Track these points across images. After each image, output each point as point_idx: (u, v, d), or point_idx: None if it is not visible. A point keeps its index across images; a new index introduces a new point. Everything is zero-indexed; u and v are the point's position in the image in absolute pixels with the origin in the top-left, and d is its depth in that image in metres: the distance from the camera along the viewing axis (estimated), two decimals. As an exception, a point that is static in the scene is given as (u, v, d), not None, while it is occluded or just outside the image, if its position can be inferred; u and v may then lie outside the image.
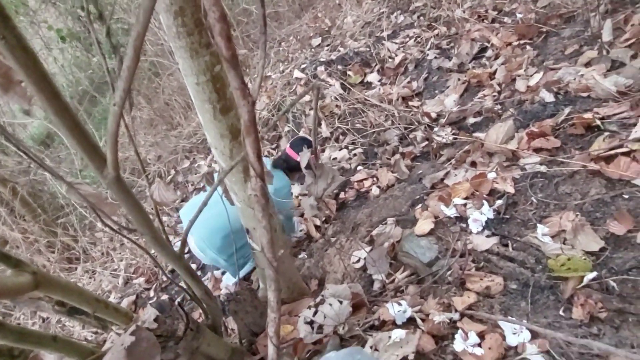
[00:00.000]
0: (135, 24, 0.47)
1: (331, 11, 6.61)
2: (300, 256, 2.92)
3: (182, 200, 4.87)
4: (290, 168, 2.72)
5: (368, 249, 2.38)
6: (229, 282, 2.97)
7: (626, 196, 1.77)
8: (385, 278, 2.19)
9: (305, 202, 1.30)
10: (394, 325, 1.68)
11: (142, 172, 1.34)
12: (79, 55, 7.27)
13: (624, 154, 1.87)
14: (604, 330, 1.47)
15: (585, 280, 1.58)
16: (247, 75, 6.02)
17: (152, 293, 3.60)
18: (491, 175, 2.23)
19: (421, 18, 4.63)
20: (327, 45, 5.58)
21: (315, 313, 1.60)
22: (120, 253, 4.42)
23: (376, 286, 2.22)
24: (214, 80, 1.06)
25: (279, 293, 0.69)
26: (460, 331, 1.53)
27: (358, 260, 2.40)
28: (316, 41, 5.85)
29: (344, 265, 2.49)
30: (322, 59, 4.70)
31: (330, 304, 1.61)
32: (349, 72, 4.34)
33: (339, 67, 4.49)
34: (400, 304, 1.69)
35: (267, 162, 2.66)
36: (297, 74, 4.68)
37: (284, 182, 2.66)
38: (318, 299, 1.68)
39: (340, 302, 1.63)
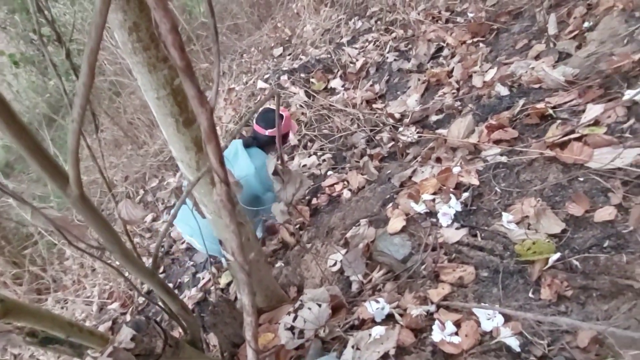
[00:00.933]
0: (88, 40, 0.48)
1: (290, 21, 6.66)
2: (277, 265, 2.92)
3: (154, 220, 4.77)
4: (260, 145, 2.62)
5: (343, 251, 2.40)
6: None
7: (581, 179, 1.86)
8: (362, 278, 2.21)
9: (276, 208, 1.32)
10: (374, 322, 1.71)
11: (109, 194, 1.32)
12: (35, 79, 7.05)
13: (576, 139, 1.97)
14: (571, 307, 1.54)
15: (551, 262, 1.66)
16: (210, 88, 5.98)
17: (128, 317, 3.51)
18: (456, 170, 2.30)
19: (378, 22, 4.74)
20: (289, 55, 5.62)
21: (295, 318, 1.61)
22: (92, 279, 4.29)
23: (354, 287, 2.24)
24: (175, 94, 1.06)
25: (253, 297, 0.70)
26: (437, 322, 1.57)
27: (334, 264, 2.42)
28: (278, 51, 5.89)
29: (321, 270, 2.50)
30: (284, 68, 4.74)
31: (310, 308, 1.62)
32: (312, 80, 4.38)
33: (302, 75, 4.53)
34: (378, 302, 1.72)
35: (239, 143, 2.58)
36: (260, 84, 4.69)
37: (264, 158, 2.56)
38: (297, 304, 1.68)
39: (319, 306, 1.64)
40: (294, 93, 4.35)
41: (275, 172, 1.22)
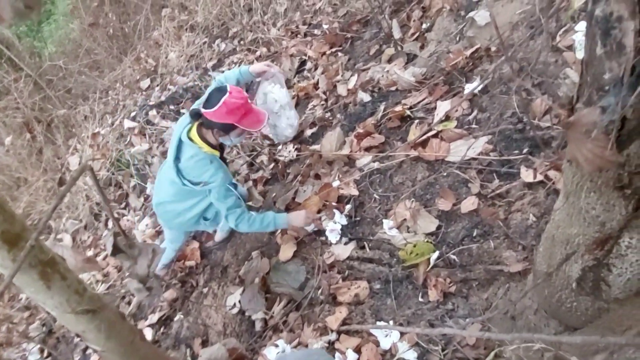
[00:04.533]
0: None
1: (153, 50, 6.31)
2: (176, 318, 2.68)
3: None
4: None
5: (240, 290, 2.27)
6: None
7: (444, 174, 1.96)
8: (264, 314, 2.11)
9: (131, 286, 1.15)
10: (277, 369, 1.61)
11: None
12: None
13: (433, 136, 2.08)
14: (457, 302, 1.59)
15: (432, 261, 1.71)
16: (74, 135, 5.41)
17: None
18: (335, 183, 2.30)
19: (241, 42, 4.67)
20: (157, 85, 5.32)
21: (188, 392, 1.44)
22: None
23: (258, 326, 2.13)
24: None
25: None
26: (337, 354, 1.52)
27: (234, 306, 2.28)
28: (145, 83, 5.54)
29: (222, 314, 2.34)
30: (151, 103, 4.45)
31: (203, 376, 1.47)
32: (182, 111, 4.16)
33: (171, 107, 4.29)
34: (277, 345, 1.62)
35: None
36: (128, 123, 4.35)
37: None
38: (190, 374, 1.52)
39: (214, 369, 1.49)
40: (166, 127, 4.09)
41: (117, 250, 1.05)
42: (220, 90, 1.91)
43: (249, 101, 1.97)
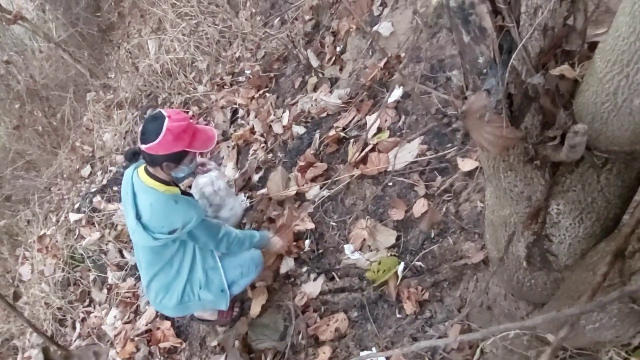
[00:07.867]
0: None
1: (87, 136, 6.18)
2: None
3: None
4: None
5: (222, 358, 2.15)
6: None
7: (390, 184, 1.97)
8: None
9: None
10: None
11: None
12: None
13: (371, 150, 2.09)
14: (433, 308, 1.56)
15: (400, 274, 1.68)
16: (20, 243, 5.13)
17: None
18: (290, 222, 2.26)
19: (171, 107, 4.64)
20: (100, 170, 5.19)
21: None
22: None
23: (249, 391, 2.01)
24: None
25: None
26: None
27: (220, 377, 2.15)
28: (86, 171, 5.40)
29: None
30: (93, 189, 4.31)
31: None
32: (127, 189, 4.04)
33: (115, 188, 4.17)
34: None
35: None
36: (73, 216, 4.17)
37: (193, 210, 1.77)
38: None
39: None
40: (114, 210, 3.95)
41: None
42: (157, 119, 1.65)
43: (190, 120, 1.74)
